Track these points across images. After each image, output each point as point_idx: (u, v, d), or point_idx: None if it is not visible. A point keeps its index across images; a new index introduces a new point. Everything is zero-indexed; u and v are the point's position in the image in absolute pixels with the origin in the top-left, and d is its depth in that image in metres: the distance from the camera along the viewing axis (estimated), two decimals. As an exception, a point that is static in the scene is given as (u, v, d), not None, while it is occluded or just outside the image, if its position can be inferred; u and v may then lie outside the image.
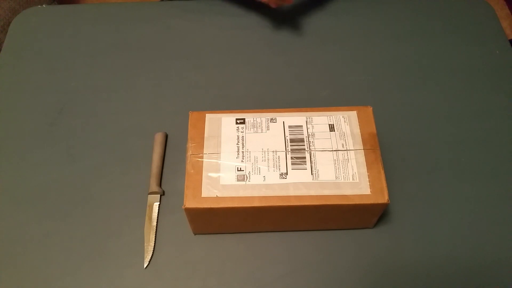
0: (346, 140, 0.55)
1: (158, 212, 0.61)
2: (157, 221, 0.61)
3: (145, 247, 0.59)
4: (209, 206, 0.51)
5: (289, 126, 0.56)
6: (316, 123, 0.57)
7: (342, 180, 0.52)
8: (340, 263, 0.58)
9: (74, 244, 0.59)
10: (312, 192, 0.51)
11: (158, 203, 0.62)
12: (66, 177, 0.65)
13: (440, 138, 0.68)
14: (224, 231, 0.60)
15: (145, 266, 0.58)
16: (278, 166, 0.53)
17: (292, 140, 0.55)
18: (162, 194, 0.63)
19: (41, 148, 0.67)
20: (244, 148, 0.55)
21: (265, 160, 0.54)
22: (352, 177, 0.52)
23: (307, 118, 0.57)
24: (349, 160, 0.53)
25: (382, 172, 0.53)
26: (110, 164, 0.66)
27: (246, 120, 0.57)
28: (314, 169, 0.53)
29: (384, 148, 0.64)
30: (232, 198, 0.51)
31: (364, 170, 0.53)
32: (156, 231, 0.60)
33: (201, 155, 0.54)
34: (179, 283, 0.57)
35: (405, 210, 0.62)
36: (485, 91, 0.73)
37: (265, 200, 0.51)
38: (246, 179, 0.52)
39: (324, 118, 0.57)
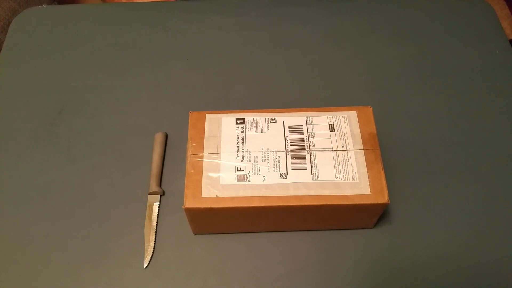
0: (346, 140, 0.55)
1: (158, 212, 0.61)
2: (157, 221, 0.61)
3: (145, 247, 0.59)
4: (209, 206, 0.51)
5: (289, 126, 0.56)
6: (316, 123, 0.57)
7: (342, 180, 0.52)
8: (340, 263, 0.58)
9: (74, 244, 0.59)
10: (312, 192, 0.51)
11: (158, 203, 0.62)
12: (66, 177, 0.65)
13: (440, 138, 0.68)
14: (224, 231, 0.59)
15: (145, 266, 0.58)
16: (278, 166, 0.53)
17: (292, 140, 0.55)
18: (162, 194, 0.63)
19: (41, 148, 0.67)
20: (244, 148, 0.55)
21: (265, 160, 0.54)
22: (352, 177, 0.52)
23: (307, 118, 0.57)
24: (349, 160, 0.53)
25: (382, 172, 0.53)
26: (110, 164, 0.66)
27: (246, 120, 0.57)
28: (314, 169, 0.53)
29: (384, 148, 0.64)
30: (232, 198, 0.51)
31: (364, 170, 0.53)
32: (156, 231, 0.60)
33: (201, 155, 0.54)
34: (179, 283, 0.57)
35: (405, 210, 0.62)
36: (485, 91, 0.73)
37: (265, 200, 0.51)
38: (246, 179, 0.52)
39: (324, 118, 0.57)
